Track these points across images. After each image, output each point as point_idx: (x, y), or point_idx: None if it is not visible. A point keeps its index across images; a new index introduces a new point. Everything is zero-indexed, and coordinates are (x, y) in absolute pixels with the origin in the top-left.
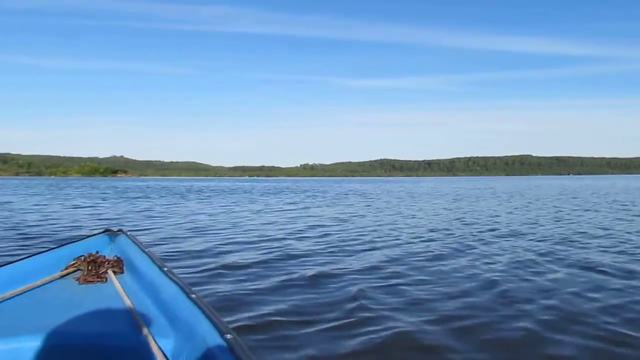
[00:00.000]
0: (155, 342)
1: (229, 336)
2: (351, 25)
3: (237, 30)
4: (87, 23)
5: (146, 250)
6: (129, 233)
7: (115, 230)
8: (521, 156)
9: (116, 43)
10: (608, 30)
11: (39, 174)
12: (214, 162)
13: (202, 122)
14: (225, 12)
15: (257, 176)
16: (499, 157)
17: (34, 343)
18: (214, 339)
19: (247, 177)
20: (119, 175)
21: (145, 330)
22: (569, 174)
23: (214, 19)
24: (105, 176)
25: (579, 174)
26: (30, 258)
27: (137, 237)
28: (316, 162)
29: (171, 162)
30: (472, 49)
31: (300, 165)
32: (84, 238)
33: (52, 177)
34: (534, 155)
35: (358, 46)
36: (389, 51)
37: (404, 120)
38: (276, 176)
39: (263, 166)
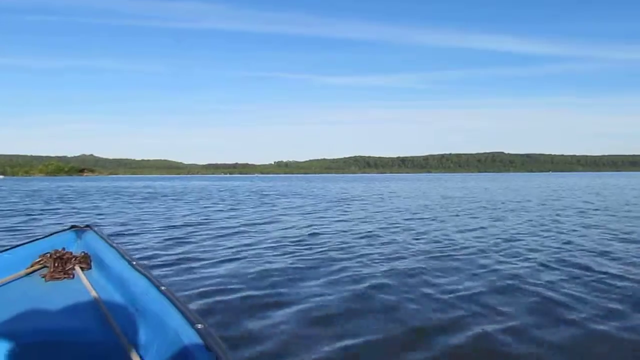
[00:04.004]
0: (125, 336)
1: (200, 326)
2: (325, 23)
3: (209, 26)
4: (52, 19)
5: (114, 245)
6: (96, 229)
7: (82, 226)
8: (493, 153)
9: (84, 40)
10: (578, 30)
11: (4, 173)
12: (186, 160)
13: (174, 119)
14: (198, 8)
15: (230, 174)
16: (472, 154)
17: (0, 341)
18: (184, 330)
19: (220, 175)
20: (85, 174)
21: (114, 325)
22: (549, 172)
23: (185, 15)
24: (71, 175)
25: (549, 172)
26: None
27: (105, 233)
28: (290, 159)
29: (142, 160)
30: (444, 47)
31: (275, 162)
32: (50, 235)
33: (1, 177)
34: (506, 152)
35: (333, 44)
36: (363, 49)
37: (377, 117)
38: (250, 173)
39: (236, 164)
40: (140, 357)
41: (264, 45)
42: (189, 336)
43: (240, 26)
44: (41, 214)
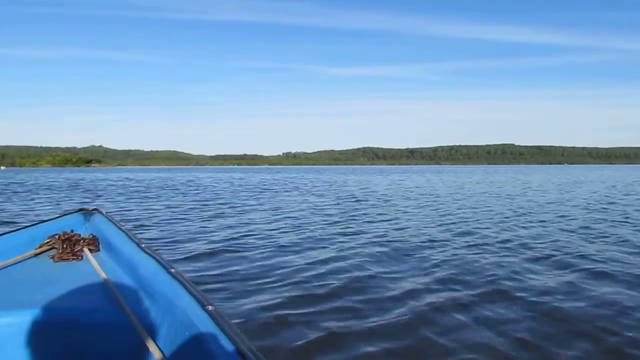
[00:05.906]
0: (135, 316)
1: (210, 308)
2: (334, 14)
3: (217, 18)
4: (61, 12)
5: (123, 228)
6: (104, 212)
7: (91, 209)
8: (504, 145)
9: (93, 31)
10: (591, 20)
11: (13, 164)
12: (195, 151)
13: (182, 111)
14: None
15: (239, 165)
16: (482, 146)
17: (9, 319)
18: (194, 311)
19: (229, 166)
20: (92, 165)
21: (124, 306)
22: (562, 164)
23: (194, 6)
24: (78, 166)
25: (563, 164)
26: (2, 236)
27: (114, 216)
28: (299, 151)
29: (151, 151)
30: (454, 37)
31: (283, 153)
32: (59, 217)
33: (3, 167)
34: (517, 144)
35: (341, 34)
36: (372, 40)
37: (386, 108)
38: (258, 165)
39: (245, 155)
40: (151, 337)
41: (271, 36)
42: (200, 317)
43: (247, 17)
44: None
